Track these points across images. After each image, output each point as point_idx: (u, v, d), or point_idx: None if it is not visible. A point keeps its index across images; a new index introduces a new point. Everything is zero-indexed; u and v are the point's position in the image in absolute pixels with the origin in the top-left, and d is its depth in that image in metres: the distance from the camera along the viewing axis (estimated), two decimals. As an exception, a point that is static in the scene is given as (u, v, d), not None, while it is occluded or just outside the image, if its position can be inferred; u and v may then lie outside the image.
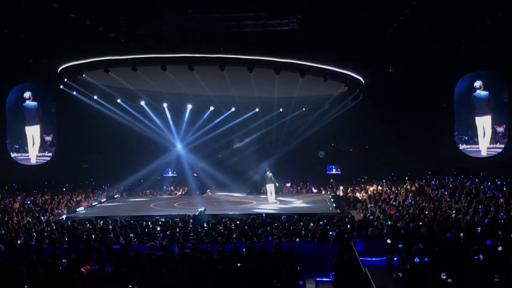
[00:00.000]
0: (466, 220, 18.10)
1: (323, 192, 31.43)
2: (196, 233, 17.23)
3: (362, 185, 31.37)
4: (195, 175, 33.69)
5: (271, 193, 26.79)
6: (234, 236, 16.70)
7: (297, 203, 26.82)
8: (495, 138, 31.79)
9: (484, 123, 31.91)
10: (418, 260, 11.64)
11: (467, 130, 32.32)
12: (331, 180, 33.63)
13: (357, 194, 29.06)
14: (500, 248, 12.66)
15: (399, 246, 14.23)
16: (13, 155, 33.32)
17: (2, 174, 31.67)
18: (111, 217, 20.82)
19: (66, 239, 16.85)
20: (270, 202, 26.35)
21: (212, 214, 21.78)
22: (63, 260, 12.96)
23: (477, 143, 32.05)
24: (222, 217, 20.28)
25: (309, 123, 32.10)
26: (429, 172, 31.69)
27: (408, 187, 28.39)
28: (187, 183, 33.66)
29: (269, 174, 26.72)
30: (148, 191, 33.27)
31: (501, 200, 21.15)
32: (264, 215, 19.55)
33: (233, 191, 30.73)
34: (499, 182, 26.91)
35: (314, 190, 32.54)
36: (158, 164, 33.36)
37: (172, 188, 34.00)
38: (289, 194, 31.33)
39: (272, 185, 26.72)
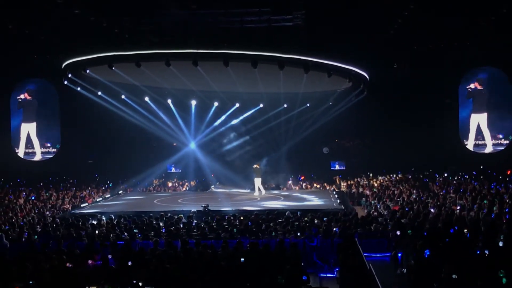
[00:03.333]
0: (471, 216, 18.08)
1: (327, 188, 31.42)
2: (200, 229, 17.24)
3: (366, 180, 31.39)
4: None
5: (259, 188, 28.16)
6: (235, 231, 16.68)
7: (301, 199, 26.80)
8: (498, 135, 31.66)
9: (480, 120, 31.81)
10: (428, 253, 11.64)
11: (471, 125, 32.19)
12: (339, 176, 33.55)
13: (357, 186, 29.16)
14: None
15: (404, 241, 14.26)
16: (17, 150, 33.35)
17: (7, 170, 31.74)
18: (115, 213, 20.87)
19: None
20: (263, 195, 27.56)
21: (217, 210, 21.78)
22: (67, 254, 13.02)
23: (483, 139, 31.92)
24: (226, 213, 20.32)
25: (313, 119, 32.08)
26: (430, 170, 31.63)
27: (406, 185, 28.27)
28: (192, 179, 33.81)
29: (262, 168, 28.40)
30: (152, 187, 33.34)
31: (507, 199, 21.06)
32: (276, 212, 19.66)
33: (237, 187, 30.70)
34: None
35: (317, 186, 32.54)
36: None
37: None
38: (293, 190, 31.35)
39: (260, 179, 28.15)
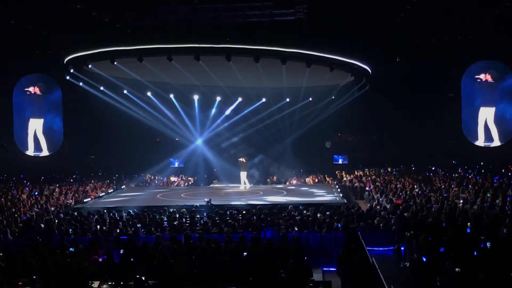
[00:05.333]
0: (473, 210, 18.08)
1: (330, 182, 31.42)
2: (203, 224, 17.26)
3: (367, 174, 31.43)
4: None
5: (244, 181, 28.91)
6: (240, 225, 16.69)
7: (304, 193, 26.80)
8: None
9: (488, 115, 31.42)
10: (425, 259, 11.66)
11: (474, 120, 31.88)
12: (337, 171, 33.59)
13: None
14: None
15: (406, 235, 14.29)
16: (20, 146, 33.29)
17: (10, 165, 31.78)
18: (119, 208, 20.90)
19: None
20: (247, 188, 28.37)
21: (220, 204, 21.79)
22: (70, 249, 13.06)
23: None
24: (229, 208, 20.34)
25: (315, 113, 32.07)
26: (431, 168, 31.56)
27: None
28: (195, 174, 33.85)
29: (246, 162, 28.98)
30: (153, 183, 33.39)
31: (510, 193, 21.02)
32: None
33: (239, 182, 30.71)
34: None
35: (319, 179, 32.56)
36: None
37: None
38: (296, 184, 31.37)
39: (246, 172, 28.90)
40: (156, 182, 33.36)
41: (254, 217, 17.75)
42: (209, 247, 12.92)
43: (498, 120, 30.80)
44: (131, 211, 19.96)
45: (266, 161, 32.88)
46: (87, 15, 23.51)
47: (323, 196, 25.27)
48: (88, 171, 34.36)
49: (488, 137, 30.79)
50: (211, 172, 33.92)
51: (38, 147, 33.12)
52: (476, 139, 31.22)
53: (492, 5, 24.24)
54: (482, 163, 30.61)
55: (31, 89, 33.00)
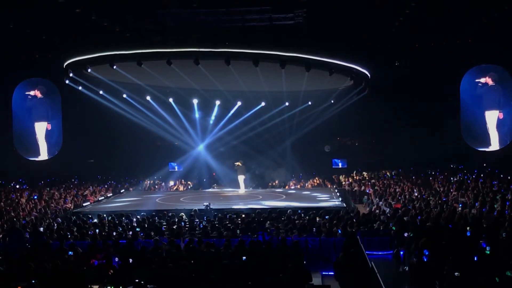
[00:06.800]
0: (472, 214, 18.07)
1: (329, 186, 31.39)
2: (202, 228, 17.25)
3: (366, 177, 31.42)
4: None
5: (242, 185, 29.08)
6: (238, 232, 16.67)
7: (303, 197, 26.77)
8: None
9: (492, 117, 31.39)
10: (427, 253, 11.64)
11: (473, 123, 31.88)
12: (334, 176, 33.57)
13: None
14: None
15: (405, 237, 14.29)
16: (19, 150, 33.28)
17: (9, 169, 31.74)
18: (118, 212, 20.87)
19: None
20: (244, 192, 28.43)
21: (219, 208, 21.76)
22: (70, 253, 13.05)
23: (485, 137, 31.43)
24: (228, 212, 20.31)
25: (314, 117, 32.07)
26: (430, 172, 31.52)
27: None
28: (193, 178, 33.80)
29: (243, 166, 28.97)
30: (152, 187, 33.34)
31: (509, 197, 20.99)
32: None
33: (238, 186, 30.67)
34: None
35: (318, 182, 32.55)
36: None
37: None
38: (295, 188, 31.34)
39: (243, 176, 28.89)
40: (156, 187, 33.33)
41: (256, 219, 17.83)
42: (208, 251, 12.92)
43: (503, 124, 30.76)
44: (130, 215, 19.95)
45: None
46: (86, 19, 23.52)
47: (322, 200, 25.23)
48: (87, 175, 34.30)
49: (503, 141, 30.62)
50: (210, 176, 33.87)
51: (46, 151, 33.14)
52: (488, 144, 31.04)
53: (491, 8, 24.27)
54: (484, 166, 30.56)
55: (32, 92, 33.03)
